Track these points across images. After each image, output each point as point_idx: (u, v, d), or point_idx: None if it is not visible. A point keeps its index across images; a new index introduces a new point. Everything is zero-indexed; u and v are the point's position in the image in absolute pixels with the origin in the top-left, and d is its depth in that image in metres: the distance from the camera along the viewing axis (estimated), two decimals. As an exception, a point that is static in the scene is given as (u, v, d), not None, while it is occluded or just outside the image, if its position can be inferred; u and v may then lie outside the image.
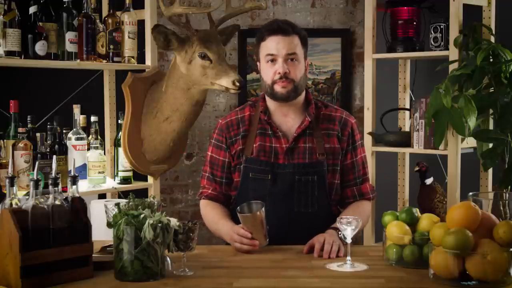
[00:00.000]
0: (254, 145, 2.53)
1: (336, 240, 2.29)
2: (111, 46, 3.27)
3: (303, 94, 2.57)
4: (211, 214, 2.56)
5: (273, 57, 2.48)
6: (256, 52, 2.59)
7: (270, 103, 2.57)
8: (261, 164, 2.51)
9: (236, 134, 2.57)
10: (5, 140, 2.90)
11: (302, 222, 2.43)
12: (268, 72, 2.51)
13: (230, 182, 2.59)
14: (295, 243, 2.37)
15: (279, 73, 2.47)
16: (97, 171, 3.20)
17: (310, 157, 2.51)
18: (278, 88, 2.49)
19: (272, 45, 2.48)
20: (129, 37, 3.33)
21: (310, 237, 2.34)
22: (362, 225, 2.32)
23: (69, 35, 3.05)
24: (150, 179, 3.50)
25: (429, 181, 3.30)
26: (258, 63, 2.60)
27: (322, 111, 2.59)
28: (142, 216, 1.94)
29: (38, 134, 2.90)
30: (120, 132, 3.36)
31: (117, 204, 2.05)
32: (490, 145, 3.12)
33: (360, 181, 2.59)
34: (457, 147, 3.23)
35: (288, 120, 2.56)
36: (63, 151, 3.02)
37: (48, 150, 2.92)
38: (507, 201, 2.26)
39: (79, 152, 3.15)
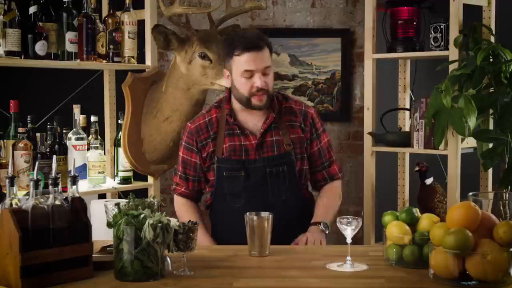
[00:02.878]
0: (224, 146, 2.67)
1: (318, 237, 2.55)
2: (111, 46, 3.27)
3: None
4: (186, 215, 2.69)
5: (250, 73, 2.59)
6: (225, 61, 2.66)
7: (236, 105, 2.69)
8: (232, 162, 2.66)
9: (206, 138, 2.70)
10: (5, 140, 2.90)
11: (277, 210, 2.50)
12: (245, 85, 2.61)
13: (201, 180, 2.75)
14: (273, 230, 2.37)
15: (257, 86, 2.59)
16: (97, 171, 3.20)
17: (278, 149, 2.68)
18: (255, 101, 2.62)
19: (248, 61, 2.58)
20: (129, 37, 3.33)
21: (286, 222, 2.54)
22: (337, 206, 2.76)
23: (69, 35, 3.05)
24: (150, 179, 3.50)
25: (429, 181, 3.30)
26: (226, 72, 2.67)
27: (284, 104, 2.74)
28: (142, 216, 1.94)
29: (38, 134, 2.90)
30: (120, 132, 3.36)
31: (117, 204, 2.05)
32: (490, 145, 3.12)
33: (327, 164, 2.80)
34: (457, 147, 3.23)
35: (254, 117, 2.69)
36: (63, 151, 3.02)
37: (48, 150, 2.92)
38: (507, 201, 2.26)
39: (79, 152, 3.15)
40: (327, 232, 2.61)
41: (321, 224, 2.61)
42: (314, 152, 2.75)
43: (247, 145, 2.67)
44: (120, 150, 3.36)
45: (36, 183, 1.94)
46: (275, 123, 2.69)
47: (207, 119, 2.72)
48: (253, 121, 2.69)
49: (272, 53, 2.67)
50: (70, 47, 3.05)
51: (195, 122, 2.73)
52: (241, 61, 2.58)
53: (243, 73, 2.59)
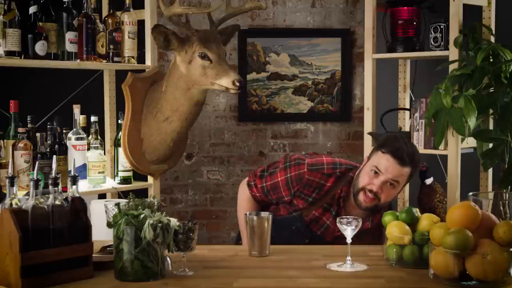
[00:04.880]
0: (314, 212, 2.69)
1: None
2: (111, 46, 3.27)
3: None
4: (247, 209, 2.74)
5: (377, 172, 2.58)
6: (374, 148, 2.68)
7: (351, 194, 2.67)
8: (307, 230, 2.70)
9: (307, 195, 2.70)
10: (5, 140, 2.90)
11: None
12: (364, 178, 2.61)
13: (275, 205, 2.80)
14: None
15: (372, 189, 2.58)
16: (97, 171, 3.20)
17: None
18: (361, 198, 2.61)
19: (384, 163, 2.57)
20: (129, 37, 3.33)
21: None
22: None
23: (69, 35, 3.05)
24: (150, 179, 3.50)
25: (429, 181, 3.29)
26: (366, 157, 2.70)
27: (380, 217, 2.61)
28: (142, 216, 1.94)
29: (38, 134, 2.90)
30: (120, 132, 3.36)
31: (117, 204, 2.05)
32: (490, 145, 3.12)
33: None
34: (457, 147, 3.22)
35: (353, 213, 2.65)
36: (63, 151, 3.02)
37: (48, 150, 2.92)
38: (507, 201, 2.26)
39: (79, 152, 3.15)
40: None
41: None
42: None
43: (330, 228, 2.68)
44: (120, 150, 3.35)
45: (36, 183, 1.94)
46: (365, 231, 2.61)
47: (321, 182, 2.69)
48: (351, 213, 2.65)
49: (412, 176, 2.65)
50: (70, 47, 3.05)
51: (312, 175, 2.69)
52: (379, 159, 2.59)
53: (373, 167, 2.59)
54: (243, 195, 2.87)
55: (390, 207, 2.78)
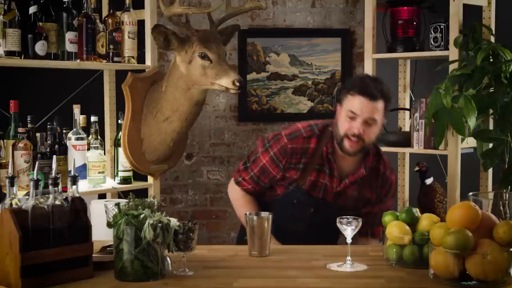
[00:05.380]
0: (309, 178, 2.69)
1: None
2: (111, 46, 3.27)
3: None
4: (246, 207, 2.76)
5: (353, 115, 2.60)
6: (341, 96, 2.68)
7: (336, 145, 2.69)
8: (309, 197, 2.70)
9: (296, 163, 2.70)
10: (5, 140, 2.90)
11: (325, 239, 2.63)
12: (344, 125, 2.63)
13: (270, 188, 2.78)
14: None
15: (353, 132, 2.60)
16: (97, 171, 3.20)
17: (353, 204, 2.73)
18: (346, 144, 2.63)
19: (357, 104, 2.59)
20: (129, 37, 3.33)
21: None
22: None
23: (69, 35, 3.05)
24: (150, 179, 3.50)
25: (429, 181, 3.30)
26: (338, 105, 2.69)
27: (374, 162, 2.75)
28: (142, 216, 1.94)
29: (38, 134, 2.90)
30: (120, 132, 3.36)
31: (117, 204, 2.05)
32: (490, 145, 3.12)
33: (377, 224, 2.75)
34: (457, 147, 3.22)
35: (345, 164, 2.71)
36: (63, 151, 3.02)
37: (48, 150, 2.92)
38: (507, 201, 2.26)
39: (79, 152, 3.15)
40: None
41: None
42: (372, 211, 2.77)
43: (328, 186, 2.70)
44: (120, 150, 3.35)
45: (36, 183, 1.94)
46: (361, 180, 2.72)
47: (305, 146, 2.70)
48: (343, 166, 2.71)
49: (387, 108, 2.66)
50: (70, 47, 3.05)
51: (293, 143, 2.70)
52: (351, 102, 2.60)
53: (348, 112, 2.60)
54: (235, 194, 2.86)
55: (377, 149, 2.81)
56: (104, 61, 3.25)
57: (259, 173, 2.76)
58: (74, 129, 3.15)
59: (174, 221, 1.98)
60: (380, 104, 2.61)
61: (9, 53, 2.84)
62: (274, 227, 2.43)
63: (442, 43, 3.36)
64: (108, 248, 2.21)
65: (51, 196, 1.95)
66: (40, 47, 2.92)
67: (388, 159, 2.86)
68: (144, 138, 3.36)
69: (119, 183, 3.39)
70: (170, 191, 4.58)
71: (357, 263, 2.14)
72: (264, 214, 2.32)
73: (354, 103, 2.60)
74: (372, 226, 2.77)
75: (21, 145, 2.85)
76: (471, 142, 3.28)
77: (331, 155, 2.69)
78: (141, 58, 3.46)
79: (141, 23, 3.43)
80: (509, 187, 3.07)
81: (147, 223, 1.92)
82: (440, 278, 1.93)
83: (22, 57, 2.90)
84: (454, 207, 2.02)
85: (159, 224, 1.93)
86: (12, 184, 1.97)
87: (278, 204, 2.73)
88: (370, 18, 3.52)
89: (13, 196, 1.97)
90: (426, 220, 2.16)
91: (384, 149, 3.54)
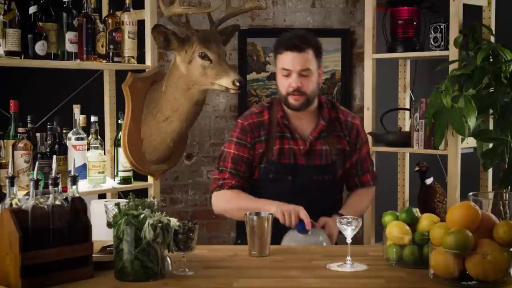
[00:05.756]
0: (274, 148, 2.71)
1: (334, 229, 2.59)
2: (111, 46, 3.27)
3: (316, 99, 2.76)
4: (242, 195, 2.70)
5: (287, 72, 2.66)
6: (274, 62, 2.77)
7: (286, 108, 2.75)
8: (281, 165, 2.71)
9: (258, 136, 2.74)
10: (5, 140, 2.90)
11: (315, 211, 2.61)
12: (282, 84, 2.70)
13: (250, 177, 2.77)
14: None
15: (292, 87, 2.66)
16: (97, 171, 3.20)
17: (325, 158, 2.74)
18: (291, 100, 2.69)
19: (286, 60, 2.66)
20: (129, 37, 3.33)
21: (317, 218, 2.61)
22: (364, 207, 2.89)
23: (69, 35, 3.05)
24: (150, 179, 3.50)
25: (429, 181, 3.30)
26: (276, 71, 2.76)
27: (332, 113, 2.80)
28: (142, 216, 1.94)
29: (38, 134, 2.90)
30: (120, 132, 3.36)
31: (117, 204, 2.05)
32: (490, 145, 3.12)
33: (361, 172, 2.84)
34: (457, 147, 3.23)
35: (303, 123, 2.76)
36: (63, 151, 3.02)
37: (48, 150, 2.92)
38: (507, 201, 2.26)
39: (79, 152, 3.15)
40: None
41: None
42: (352, 162, 2.81)
43: (296, 149, 2.72)
44: (120, 150, 3.36)
45: (36, 183, 1.94)
46: (324, 132, 2.75)
47: (260, 119, 2.75)
48: (302, 126, 2.75)
49: (319, 57, 2.72)
50: (70, 47, 3.05)
51: (248, 119, 2.76)
52: (281, 60, 2.68)
53: (281, 71, 2.68)
54: (222, 197, 2.74)
55: (332, 102, 2.87)
56: (104, 61, 3.25)
57: (233, 163, 2.74)
58: (74, 129, 3.15)
59: (174, 221, 1.98)
60: (309, 54, 2.68)
61: (9, 53, 2.85)
62: None
63: (442, 43, 3.36)
64: (108, 248, 2.21)
65: (51, 196, 1.94)
66: (40, 47, 2.92)
67: (346, 109, 2.91)
68: (144, 138, 3.36)
69: (119, 183, 3.40)
70: (170, 191, 4.58)
71: (357, 263, 2.14)
72: (264, 214, 2.32)
73: (284, 60, 2.66)
74: (357, 175, 2.84)
75: (21, 145, 2.85)
76: (471, 142, 3.29)
77: (285, 118, 2.73)
78: (141, 58, 3.46)
79: (141, 23, 3.44)
80: (509, 187, 3.07)
81: (147, 223, 1.92)
82: (440, 278, 1.93)
83: (22, 57, 2.90)
84: (454, 207, 2.02)
85: (159, 224, 1.93)
86: (12, 184, 1.97)
87: (258, 186, 2.73)
88: (370, 18, 3.52)
89: (13, 196, 1.97)
90: (426, 220, 2.16)
91: (384, 149, 3.55)
